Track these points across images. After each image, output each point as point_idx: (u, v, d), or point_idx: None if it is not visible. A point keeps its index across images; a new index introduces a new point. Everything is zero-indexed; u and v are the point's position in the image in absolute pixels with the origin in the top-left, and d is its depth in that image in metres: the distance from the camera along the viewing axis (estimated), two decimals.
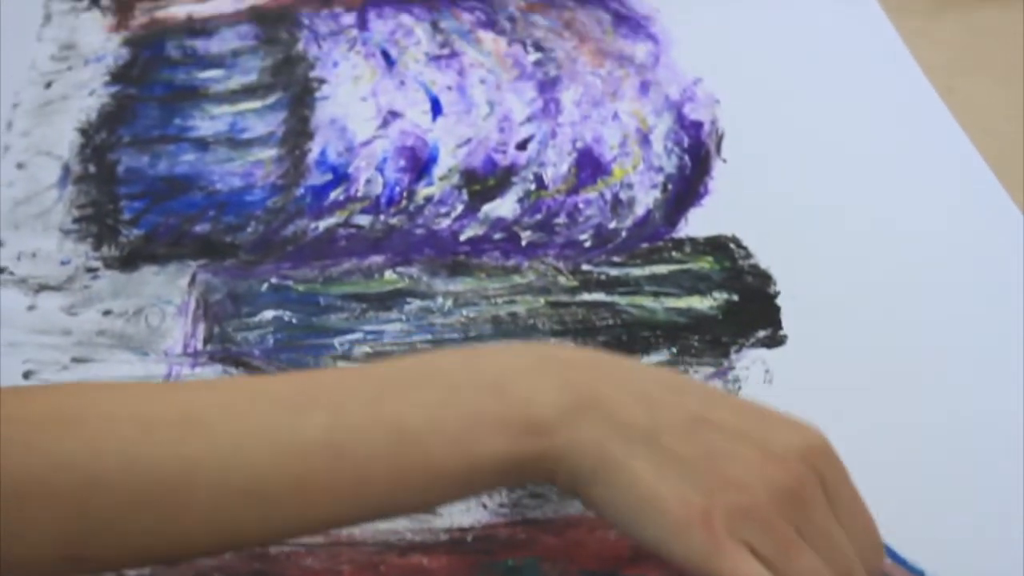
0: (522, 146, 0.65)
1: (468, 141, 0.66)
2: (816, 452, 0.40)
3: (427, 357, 0.43)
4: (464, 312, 0.56)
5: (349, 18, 0.75)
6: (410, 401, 0.38)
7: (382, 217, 0.61)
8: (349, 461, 0.38)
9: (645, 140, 0.66)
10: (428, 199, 0.62)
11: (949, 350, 0.55)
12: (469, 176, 0.64)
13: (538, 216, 0.61)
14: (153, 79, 0.70)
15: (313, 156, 0.65)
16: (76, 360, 0.54)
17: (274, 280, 0.58)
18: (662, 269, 0.58)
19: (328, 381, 0.41)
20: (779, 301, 0.57)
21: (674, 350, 0.55)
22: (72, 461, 0.37)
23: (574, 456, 0.38)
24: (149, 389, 0.45)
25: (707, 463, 0.38)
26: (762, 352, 0.55)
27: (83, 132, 0.66)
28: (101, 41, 0.73)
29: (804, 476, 0.39)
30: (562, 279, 0.58)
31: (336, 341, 0.55)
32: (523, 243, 0.60)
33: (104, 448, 0.37)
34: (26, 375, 0.53)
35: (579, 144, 0.65)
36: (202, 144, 0.65)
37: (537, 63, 0.71)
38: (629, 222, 0.61)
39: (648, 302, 0.57)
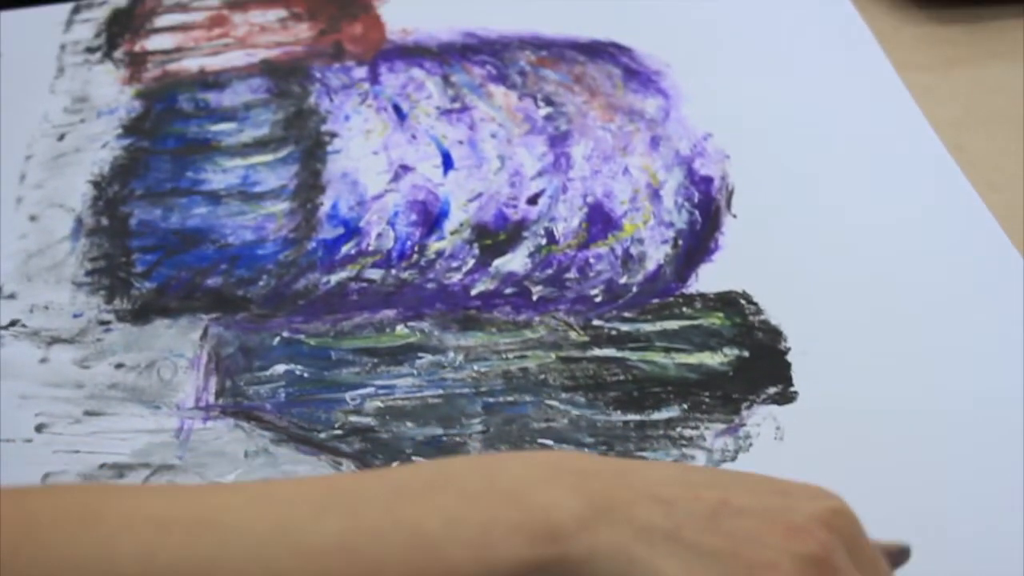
0: (533, 200, 0.66)
1: (479, 195, 0.67)
2: (836, 515, 0.40)
3: (444, 463, 0.44)
4: (475, 367, 0.57)
5: (361, 72, 0.76)
6: (427, 506, 0.39)
7: (393, 271, 0.62)
8: (365, 564, 0.38)
9: (655, 195, 0.67)
10: (439, 253, 0.63)
11: (957, 409, 0.55)
12: (480, 230, 0.64)
13: (549, 271, 0.62)
14: (165, 132, 0.71)
15: (325, 210, 0.66)
16: (88, 413, 0.55)
17: (286, 334, 0.59)
18: (673, 325, 0.59)
19: (346, 485, 0.42)
20: (790, 357, 0.58)
21: (685, 406, 0.55)
22: (87, 561, 0.37)
23: (597, 561, 0.39)
24: (165, 491, 0.45)
25: (732, 550, 0.39)
26: (773, 409, 0.55)
27: (96, 185, 0.67)
28: (114, 94, 0.74)
29: (828, 542, 0.39)
30: (573, 334, 0.59)
31: (347, 396, 0.56)
32: (534, 298, 0.61)
33: (120, 549, 0.38)
34: (38, 428, 0.54)
35: (590, 199, 0.66)
36: (214, 197, 0.66)
37: (548, 117, 0.72)
38: (640, 277, 0.62)
39: (659, 358, 0.58)
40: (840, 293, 0.61)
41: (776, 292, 0.61)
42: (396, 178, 0.68)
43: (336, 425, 0.55)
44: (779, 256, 0.63)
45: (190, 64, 0.77)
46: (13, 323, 0.59)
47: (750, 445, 0.54)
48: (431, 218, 0.65)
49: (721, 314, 0.60)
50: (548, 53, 0.77)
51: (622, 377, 0.57)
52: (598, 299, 0.61)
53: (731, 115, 0.72)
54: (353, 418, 0.55)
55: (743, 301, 0.60)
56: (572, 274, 0.62)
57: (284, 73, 0.76)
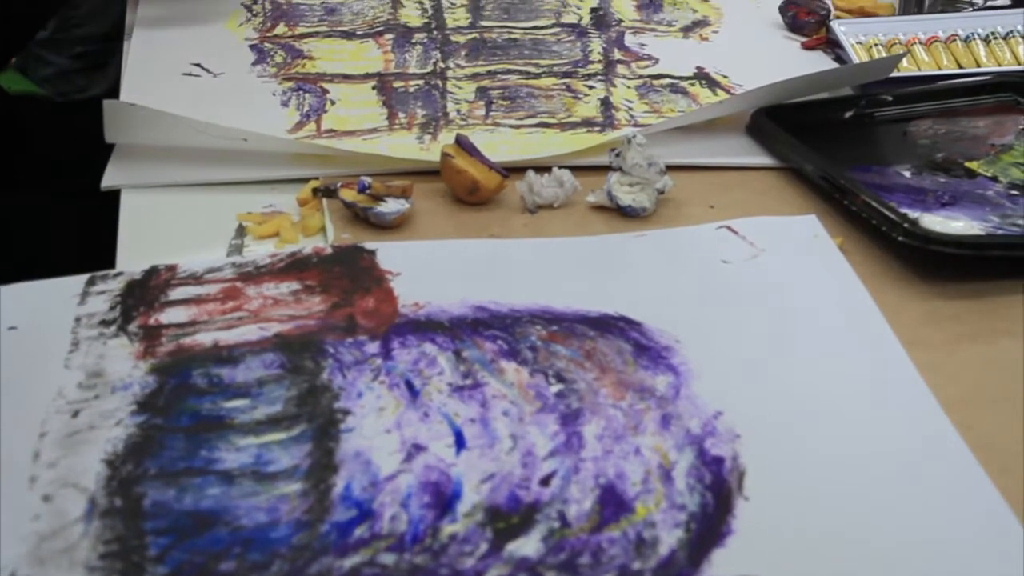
0: (545, 482, 0.70)
1: (492, 476, 0.71)
2: None
3: None
4: None
5: (373, 347, 0.81)
6: None
7: (407, 555, 0.66)
8: None
9: (667, 476, 0.71)
10: (452, 537, 0.67)
11: None
12: (493, 513, 0.68)
13: (562, 555, 0.66)
14: (179, 409, 0.76)
15: (338, 491, 0.70)
16: None
17: None
18: None
19: None
20: None
21: None
22: None
23: None
24: None
25: None
26: None
27: (109, 464, 0.72)
28: (128, 368, 0.79)
29: None
30: None
31: None
32: None
33: None
34: None
35: (602, 480, 0.71)
36: (228, 477, 0.70)
37: (559, 395, 0.77)
38: (653, 563, 0.65)
39: None
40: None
41: None
42: (409, 458, 0.72)
43: None
44: (793, 540, 0.67)
45: (204, 338, 0.82)
46: None
47: None
48: (444, 500, 0.69)
49: None
50: (559, 328, 0.83)
51: None
52: None
53: (741, 392, 0.77)
54: None
55: None
56: (585, 559, 0.66)
57: (297, 348, 0.81)
